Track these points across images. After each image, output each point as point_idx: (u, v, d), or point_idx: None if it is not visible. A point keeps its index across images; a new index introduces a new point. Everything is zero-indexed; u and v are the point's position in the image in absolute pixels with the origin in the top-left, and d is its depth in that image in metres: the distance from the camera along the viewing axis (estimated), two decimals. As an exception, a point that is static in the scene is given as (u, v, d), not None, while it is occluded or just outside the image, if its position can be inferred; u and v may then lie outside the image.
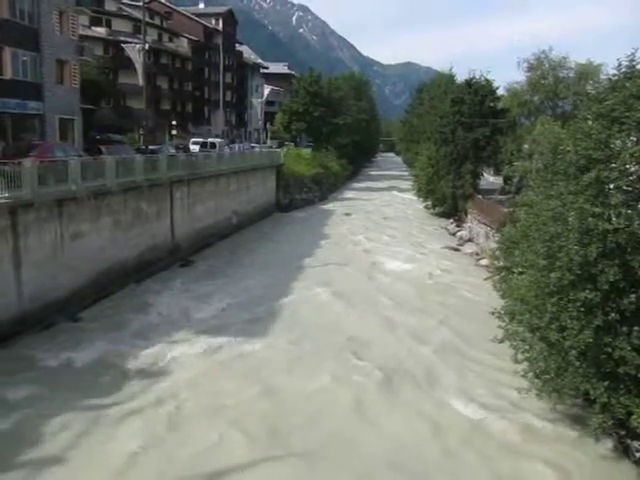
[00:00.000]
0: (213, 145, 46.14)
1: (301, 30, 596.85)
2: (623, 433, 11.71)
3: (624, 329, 11.14)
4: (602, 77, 29.72)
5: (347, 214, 46.59)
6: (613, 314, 11.15)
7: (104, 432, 12.15)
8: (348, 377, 15.35)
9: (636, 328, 11.01)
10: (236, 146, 54.01)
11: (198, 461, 11.27)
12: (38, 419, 12.36)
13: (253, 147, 58.31)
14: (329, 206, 51.68)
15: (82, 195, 20.03)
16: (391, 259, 29.86)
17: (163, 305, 20.78)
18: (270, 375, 15.31)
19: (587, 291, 11.12)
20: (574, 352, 11.26)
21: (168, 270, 25.91)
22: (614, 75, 13.08)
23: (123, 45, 36.08)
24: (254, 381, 14.88)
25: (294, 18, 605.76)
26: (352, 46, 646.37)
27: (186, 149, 41.94)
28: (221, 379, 15.03)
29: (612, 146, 11.91)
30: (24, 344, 16.26)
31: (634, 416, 10.96)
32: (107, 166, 21.89)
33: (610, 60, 14.85)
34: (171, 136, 51.56)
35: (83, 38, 40.70)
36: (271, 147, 63.57)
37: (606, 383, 11.18)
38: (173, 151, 36.98)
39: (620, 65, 12.73)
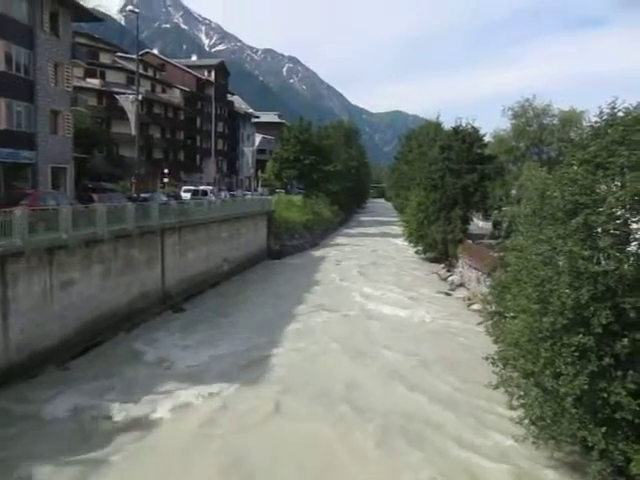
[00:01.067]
0: (205, 193, 46.48)
1: (291, 80, 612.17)
2: (623, 481, 11.47)
3: (619, 373, 11.06)
4: (585, 124, 30.50)
5: (338, 260, 46.62)
6: (607, 359, 11.09)
7: None
8: (340, 426, 15.03)
9: (631, 372, 10.95)
10: (222, 194, 54.14)
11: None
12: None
13: (244, 194, 58.81)
14: (320, 252, 51.75)
15: (73, 243, 19.96)
16: (383, 305, 29.73)
17: (153, 355, 20.43)
18: (255, 425, 15.01)
19: (580, 335, 11.11)
20: (570, 398, 11.15)
21: (159, 318, 25.62)
22: (596, 122, 13.49)
23: (116, 96, 36.83)
24: (240, 432, 14.53)
25: (284, 69, 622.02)
26: (341, 95, 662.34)
27: (177, 197, 42.18)
28: (206, 431, 14.66)
29: (598, 191, 12.14)
30: (6, 395, 15.85)
31: (633, 463, 10.78)
32: (98, 214, 21.91)
33: (592, 107, 15.31)
34: (163, 184, 51.95)
35: (77, 89, 41.45)
36: (262, 194, 64.12)
37: (603, 429, 11.03)
38: (165, 199, 37.17)
39: (602, 112, 13.14)
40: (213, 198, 43.87)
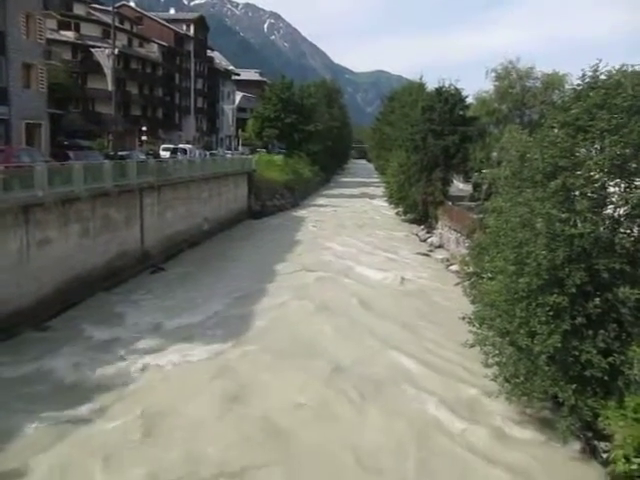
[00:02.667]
0: (184, 151, 45.73)
1: (273, 37, 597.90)
2: (590, 435, 11.93)
3: (590, 333, 11.39)
4: (567, 87, 30.41)
5: (319, 220, 46.66)
6: (580, 318, 11.40)
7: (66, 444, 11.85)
8: (317, 379, 15.37)
9: (601, 332, 11.27)
10: (196, 152, 49.19)
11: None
12: None
13: (225, 153, 57.88)
14: (301, 212, 51.68)
15: (49, 202, 19.60)
16: (362, 265, 29.94)
17: (131, 314, 20.43)
18: (239, 378, 15.26)
19: (555, 295, 11.37)
20: (543, 357, 11.47)
21: (138, 277, 25.55)
22: (578, 85, 13.46)
23: (92, 50, 35.63)
24: (225, 383, 14.76)
25: (265, 25, 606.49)
26: (324, 54, 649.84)
27: (156, 155, 41.47)
28: (189, 387, 14.84)
29: (577, 154, 12.23)
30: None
31: (601, 418, 11.21)
32: (75, 172, 21.47)
33: (575, 70, 15.27)
34: (141, 142, 50.94)
35: (51, 42, 40.01)
36: (243, 153, 63.35)
37: (574, 386, 11.41)
38: (143, 157, 36.53)
39: (584, 75, 13.11)
40: (190, 156, 43.13)
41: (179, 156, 42.37)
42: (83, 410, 13.21)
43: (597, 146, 12.13)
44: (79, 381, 14.80)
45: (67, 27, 49.70)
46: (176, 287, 24.26)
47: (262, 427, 12.95)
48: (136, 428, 12.59)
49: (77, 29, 51.06)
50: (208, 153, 53.28)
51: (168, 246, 30.06)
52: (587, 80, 13.06)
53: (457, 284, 21.09)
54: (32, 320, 18.25)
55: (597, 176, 11.96)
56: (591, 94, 12.50)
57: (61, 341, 17.29)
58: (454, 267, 28.36)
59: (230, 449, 12.00)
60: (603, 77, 12.83)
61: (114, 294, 22.82)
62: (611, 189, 12.10)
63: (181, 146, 48.89)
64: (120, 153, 33.94)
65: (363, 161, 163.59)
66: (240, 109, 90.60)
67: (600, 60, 12.92)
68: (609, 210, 12.07)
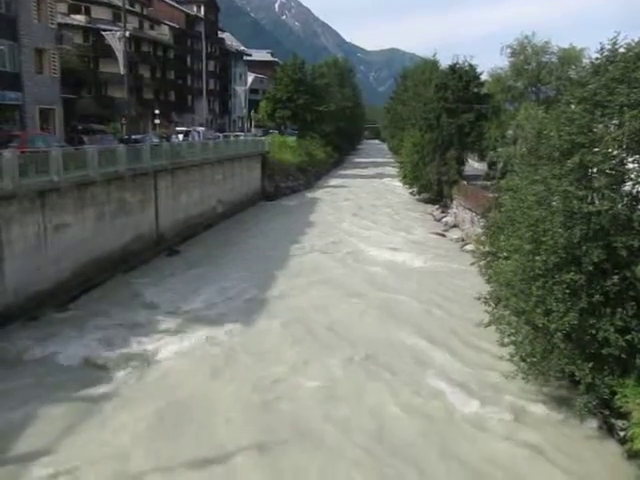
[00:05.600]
0: (198, 133, 45.79)
1: (284, 17, 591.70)
2: (607, 413, 11.90)
3: (608, 311, 11.29)
4: (585, 62, 29.81)
5: (332, 202, 46.55)
6: (597, 296, 11.29)
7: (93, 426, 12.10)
8: (332, 358, 15.51)
9: (619, 310, 11.17)
10: (196, 134, 45.90)
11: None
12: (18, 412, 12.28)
13: (237, 135, 57.71)
14: (315, 194, 51.57)
15: (65, 186, 19.77)
16: (377, 245, 29.91)
17: (149, 295, 20.67)
18: (263, 359, 15.41)
19: (572, 273, 11.26)
20: (559, 334, 11.41)
21: (154, 260, 25.79)
22: (597, 59, 13.15)
23: (103, 33, 35.50)
24: (247, 366, 14.92)
25: (277, 5, 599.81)
26: (336, 33, 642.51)
27: (169, 138, 41.52)
28: (214, 369, 15.02)
29: (595, 130, 12.00)
30: (8, 337, 16.09)
31: (618, 396, 11.18)
32: (89, 156, 21.60)
33: (592, 45, 14.92)
34: (154, 125, 50.98)
35: (62, 26, 39.95)
36: (255, 135, 63.14)
37: (591, 364, 11.35)
38: (157, 140, 36.60)
39: (603, 49, 12.80)
40: (203, 138, 42.96)
41: (191, 138, 42.31)
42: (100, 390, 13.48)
43: (615, 121, 11.88)
44: (98, 358, 15.04)
45: (78, 11, 49.58)
46: (191, 269, 24.44)
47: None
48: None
49: (88, 13, 50.91)
50: (221, 135, 53.21)
51: (183, 229, 30.23)
52: (606, 54, 12.75)
53: (472, 264, 20.97)
54: (53, 302, 18.59)
55: (615, 152, 11.73)
56: (610, 68, 12.22)
57: (83, 320, 17.64)
58: (469, 246, 28.18)
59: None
60: (622, 50, 12.52)
61: (131, 277, 23.07)
62: (630, 165, 11.87)
63: (194, 128, 48.87)
64: (134, 137, 34.02)
65: (376, 141, 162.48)
66: (252, 90, 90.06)
67: (619, 33, 12.62)
68: (627, 187, 11.86)
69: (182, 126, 53.40)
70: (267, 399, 13.40)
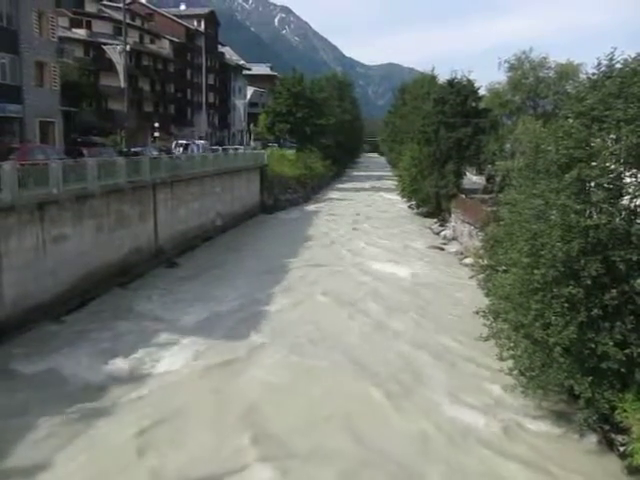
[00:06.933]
0: (197, 147, 45.94)
1: (284, 31, 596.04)
2: (607, 428, 11.83)
3: (606, 325, 11.28)
4: (582, 76, 30.03)
5: (331, 215, 46.62)
6: (596, 310, 11.28)
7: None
8: (332, 376, 15.37)
9: (618, 323, 11.16)
10: (194, 147, 45.16)
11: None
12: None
13: (236, 148, 57.92)
14: (313, 207, 51.66)
15: (64, 198, 19.79)
16: (375, 259, 29.90)
17: (147, 309, 20.59)
18: (252, 376, 15.30)
19: (570, 287, 11.26)
20: (558, 348, 11.38)
21: (152, 272, 25.71)
22: (594, 74, 13.27)
23: (104, 47, 35.80)
24: (237, 380, 14.84)
25: (276, 19, 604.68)
26: (335, 47, 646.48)
27: (169, 151, 41.65)
28: (204, 384, 14.93)
29: (592, 145, 12.08)
30: (3, 348, 15.97)
31: (618, 410, 11.11)
32: (89, 169, 21.65)
33: (589, 60, 15.05)
34: (154, 138, 51.17)
35: (63, 40, 40.23)
36: (255, 148, 63.37)
37: (590, 378, 11.30)
38: (156, 153, 36.69)
39: (600, 64, 12.93)
40: (202, 151, 42.99)
41: (190, 151, 42.41)
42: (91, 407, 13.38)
43: (613, 136, 11.96)
44: (90, 374, 14.93)
45: (79, 25, 49.99)
46: (189, 282, 24.36)
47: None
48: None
49: (89, 27, 51.30)
50: (221, 148, 53.41)
51: (182, 241, 30.22)
52: (603, 69, 12.88)
53: (471, 277, 20.96)
54: (50, 314, 18.50)
55: (613, 167, 11.80)
56: (607, 83, 12.33)
57: (79, 333, 17.55)
58: (468, 260, 28.18)
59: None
60: (619, 66, 12.64)
61: (129, 289, 22.99)
62: (627, 179, 11.93)
63: (193, 141, 49.10)
64: (133, 149, 34.12)
65: (375, 154, 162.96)
66: (252, 104, 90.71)
67: (615, 48, 12.76)
68: (625, 201, 11.90)
69: (182, 139, 53.60)
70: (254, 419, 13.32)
